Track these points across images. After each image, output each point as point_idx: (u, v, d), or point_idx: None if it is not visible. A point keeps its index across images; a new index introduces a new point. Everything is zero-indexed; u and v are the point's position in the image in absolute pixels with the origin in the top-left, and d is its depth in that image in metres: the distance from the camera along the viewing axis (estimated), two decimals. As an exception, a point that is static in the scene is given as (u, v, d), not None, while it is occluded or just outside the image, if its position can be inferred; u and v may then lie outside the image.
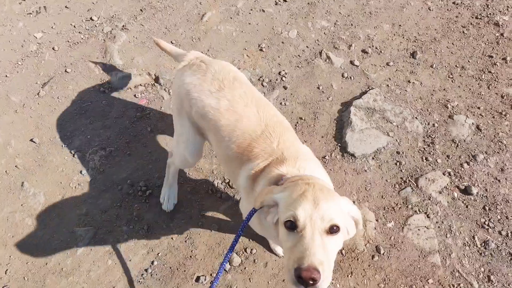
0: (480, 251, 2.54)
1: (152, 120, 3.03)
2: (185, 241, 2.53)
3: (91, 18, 3.56)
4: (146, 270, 2.43)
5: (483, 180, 2.78)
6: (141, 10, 3.63)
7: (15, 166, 2.79)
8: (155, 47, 3.41)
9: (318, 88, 3.22)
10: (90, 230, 2.56)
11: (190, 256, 2.48)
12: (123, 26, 3.51)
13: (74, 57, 3.31)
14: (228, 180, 2.77)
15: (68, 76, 3.21)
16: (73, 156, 2.84)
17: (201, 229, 2.57)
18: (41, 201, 2.67)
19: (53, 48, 3.35)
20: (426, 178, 2.78)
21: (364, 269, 2.46)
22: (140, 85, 3.19)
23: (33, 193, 2.69)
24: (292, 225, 1.39)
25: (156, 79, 3.22)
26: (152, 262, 2.45)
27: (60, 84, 3.17)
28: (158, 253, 2.49)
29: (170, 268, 2.44)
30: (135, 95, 3.14)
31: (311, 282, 1.27)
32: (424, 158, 2.88)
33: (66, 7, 3.62)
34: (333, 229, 1.39)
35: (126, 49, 3.37)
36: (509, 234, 2.59)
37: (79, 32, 3.47)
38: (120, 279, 2.40)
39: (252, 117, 1.94)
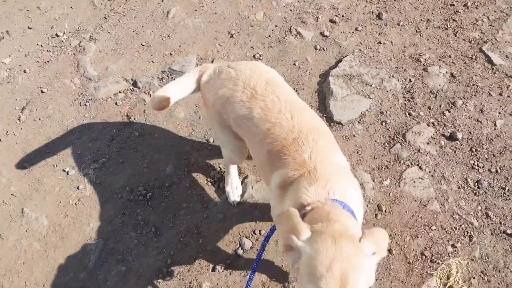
0: (474, 191, 2.66)
1: (138, 124, 3.05)
2: (195, 235, 2.58)
3: (56, 35, 3.52)
4: (162, 270, 2.48)
5: (465, 124, 2.90)
6: (105, 17, 3.60)
7: (11, 194, 2.79)
8: (127, 52, 3.40)
9: (294, 64, 3.28)
10: (100, 242, 2.59)
11: (203, 249, 2.54)
12: (90, 36, 3.48)
13: (48, 76, 3.28)
14: (224, 170, 2.81)
15: (45, 96, 3.19)
16: (67, 174, 2.85)
17: (207, 221, 2.63)
18: (44, 223, 2.68)
19: (24, 71, 3.31)
20: (412, 132, 2.88)
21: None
22: (119, 92, 3.19)
23: (35, 218, 2.70)
24: None
25: (134, 84, 3.22)
26: (167, 261, 2.50)
27: (39, 106, 3.15)
28: (171, 252, 2.53)
29: (186, 263, 2.49)
30: (116, 103, 3.14)
31: None
32: (407, 113, 2.97)
33: (29, 27, 3.56)
34: None
35: (98, 59, 3.36)
36: (498, 170, 2.72)
37: (48, 51, 3.43)
38: (138, 283, 2.44)
39: (284, 124, 1.86)
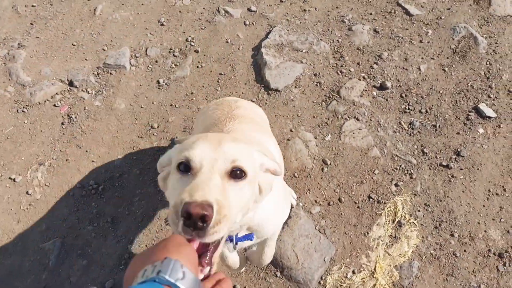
0: (409, 133, 2.83)
1: (79, 122, 3.04)
2: (152, 218, 2.62)
3: (-17, 47, 3.45)
4: (124, 256, 2.50)
5: (393, 73, 3.07)
6: (31, 24, 3.55)
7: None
8: (59, 53, 3.37)
9: (227, 42, 3.36)
10: (57, 241, 2.58)
11: (161, 229, 2.58)
12: (19, 44, 3.43)
13: (-20, 90, 3.22)
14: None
15: (-20, 109, 3.13)
16: (14, 181, 2.81)
17: (163, 202, 2.66)
18: (-3, 233, 2.64)
19: (-46, 87, 3.23)
20: (345, 88, 3.02)
21: (318, 183, 2.68)
22: (56, 93, 3.16)
23: (-14, 228, 2.65)
24: (186, 168, 1.08)
25: (70, 83, 3.21)
26: (127, 248, 2.53)
27: (-25, 119, 3.08)
28: (130, 238, 2.56)
29: (146, 246, 2.53)
30: (54, 105, 3.12)
31: (200, 223, 0.92)
32: (338, 71, 3.12)
33: (-48, 44, 3.47)
34: (237, 173, 1.08)
35: (30, 65, 3.31)
36: (428, 110, 2.91)
37: (-24, 64, 3.36)
38: (101, 273, 2.46)
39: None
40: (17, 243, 2.60)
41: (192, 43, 3.35)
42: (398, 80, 3.03)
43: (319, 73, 3.11)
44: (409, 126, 2.85)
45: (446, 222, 2.53)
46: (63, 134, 2.99)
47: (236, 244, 1.48)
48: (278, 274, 2.40)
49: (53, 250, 2.56)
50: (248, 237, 1.51)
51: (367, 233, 2.52)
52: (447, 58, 3.12)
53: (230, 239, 1.45)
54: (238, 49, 3.31)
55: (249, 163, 1.14)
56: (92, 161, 2.87)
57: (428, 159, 2.74)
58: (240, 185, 1.09)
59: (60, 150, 2.92)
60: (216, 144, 1.11)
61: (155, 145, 2.91)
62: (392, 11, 3.37)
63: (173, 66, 3.26)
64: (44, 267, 2.51)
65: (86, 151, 2.90)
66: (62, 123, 3.04)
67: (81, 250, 2.54)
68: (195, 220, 0.91)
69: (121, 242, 2.55)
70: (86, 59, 3.33)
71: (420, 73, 3.05)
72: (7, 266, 2.52)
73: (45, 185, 2.80)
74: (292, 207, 2.55)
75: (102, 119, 3.04)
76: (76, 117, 3.05)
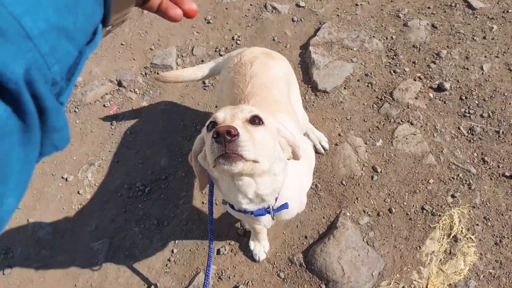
0: (468, 139, 2.63)
1: (127, 122, 3.07)
2: (196, 222, 2.61)
3: (37, 47, 3.56)
4: (168, 259, 2.52)
5: (452, 73, 2.85)
6: (82, 23, 3.62)
7: (17, 208, 2.84)
8: (108, 53, 3.42)
9: (274, 39, 3.26)
10: (105, 241, 2.64)
11: (205, 234, 2.57)
12: (70, 44, 3.51)
13: (35, 89, 3.33)
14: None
15: (35, 108, 3.24)
16: (66, 180, 2.90)
17: (206, 206, 2.65)
18: (50, 231, 2.74)
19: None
20: (399, 89, 2.85)
21: (367, 191, 2.56)
22: (106, 94, 3.22)
23: (41, 227, 2.76)
24: (214, 126, 1.28)
25: (119, 83, 3.25)
26: (172, 251, 2.54)
27: (30, 119, 3.20)
28: (175, 241, 2.57)
29: (190, 250, 2.53)
30: (104, 105, 3.18)
31: (228, 137, 1.12)
32: (392, 71, 2.94)
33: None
34: (255, 121, 1.27)
35: (81, 65, 3.39)
36: (490, 114, 2.68)
37: (31, 64, 3.48)
38: (148, 275, 2.49)
39: (241, 85, 1.93)
40: (68, 242, 2.69)
41: (238, 41, 3.28)
42: (458, 81, 2.81)
43: (371, 73, 2.94)
44: (469, 131, 2.64)
45: (508, 238, 2.34)
46: (112, 134, 3.05)
47: (273, 216, 1.59)
48: (323, 287, 2.33)
49: (102, 250, 2.62)
50: (284, 206, 1.61)
51: (419, 247, 2.38)
52: (514, 56, 2.85)
53: (267, 211, 1.54)
54: (285, 47, 3.20)
55: (265, 118, 1.32)
56: (140, 162, 2.90)
57: (489, 168, 2.53)
58: (260, 130, 1.26)
59: (109, 151, 2.98)
60: (235, 107, 1.33)
61: (200, 147, 2.89)
62: (453, 4, 3.11)
63: (219, 65, 3.21)
64: (94, 266, 2.58)
65: (135, 152, 2.94)
66: (111, 124, 3.09)
67: (128, 251, 2.59)
68: (223, 135, 1.11)
69: (167, 244, 2.57)
70: (134, 59, 3.36)
71: (482, 73, 2.81)
72: (58, 264, 2.62)
73: (94, 185, 2.87)
74: (325, 150, 2.68)
75: (149, 120, 3.06)
76: (123, 118, 3.09)
